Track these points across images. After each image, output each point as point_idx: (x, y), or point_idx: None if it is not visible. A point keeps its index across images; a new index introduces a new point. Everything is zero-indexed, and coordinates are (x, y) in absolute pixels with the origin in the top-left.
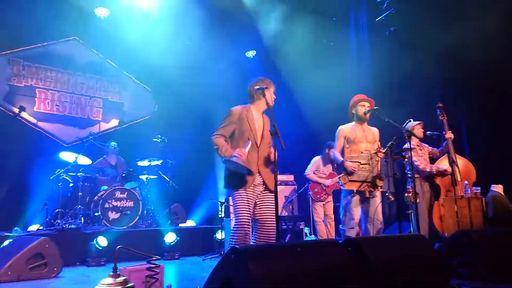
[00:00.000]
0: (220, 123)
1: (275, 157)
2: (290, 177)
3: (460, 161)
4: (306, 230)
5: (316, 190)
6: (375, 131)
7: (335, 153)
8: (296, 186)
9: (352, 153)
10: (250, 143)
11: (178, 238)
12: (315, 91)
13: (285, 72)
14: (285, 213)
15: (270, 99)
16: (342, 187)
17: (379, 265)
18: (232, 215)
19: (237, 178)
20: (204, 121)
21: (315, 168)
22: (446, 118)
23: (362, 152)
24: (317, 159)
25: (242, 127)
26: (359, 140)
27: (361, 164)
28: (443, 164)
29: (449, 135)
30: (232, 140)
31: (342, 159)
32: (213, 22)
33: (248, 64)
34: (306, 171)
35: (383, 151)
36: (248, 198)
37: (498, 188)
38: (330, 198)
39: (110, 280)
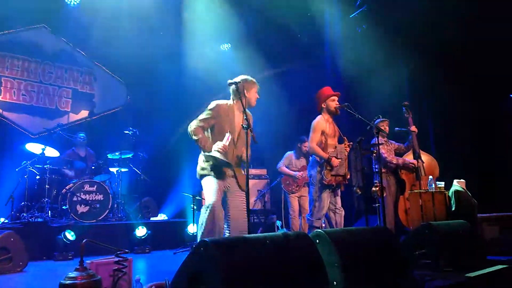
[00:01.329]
0: (202, 113)
1: (247, 155)
2: (263, 171)
3: (425, 157)
4: (278, 223)
5: (288, 182)
6: (336, 127)
7: (315, 148)
8: (268, 180)
9: (329, 148)
10: (229, 136)
11: (149, 232)
12: (289, 86)
13: (258, 66)
14: (257, 207)
15: (253, 99)
16: (324, 182)
17: (346, 257)
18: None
19: (212, 168)
20: (177, 114)
21: (287, 162)
22: (411, 115)
23: (335, 147)
24: (289, 154)
25: (223, 122)
26: (331, 134)
27: (338, 158)
28: (409, 158)
29: (414, 129)
30: (211, 134)
31: (326, 155)
32: (190, 13)
33: (222, 57)
34: (278, 165)
35: (350, 145)
36: (218, 184)
37: (460, 183)
38: (305, 190)
39: (76, 273)
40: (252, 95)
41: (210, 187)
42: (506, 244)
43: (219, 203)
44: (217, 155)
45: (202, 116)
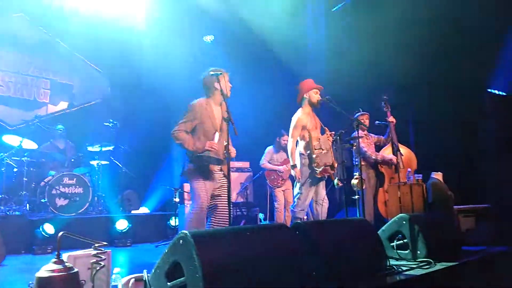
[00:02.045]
0: (181, 118)
1: (228, 145)
2: (246, 164)
3: (403, 150)
4: (261, 216)
5: (273, 177)
6: (317, 118)
7: (292, 151)
8: (251, 173)
9: (313, 141)
10: (218, 133)
11: (130, 225)
12: (271, 78)
13: (243, 59)
14: (240, 200)
15: (225, 88)
16: (315, 174)
17: (324, 247)
18: (186, 202)
19: (199, 169)
20: (159, 106)
21: (269, 157)
22: (390, 109)
23: (319, 139)
24: (269, 149)
25: (203, 121)
26: (313, 127)
27: (323, 149)
28: (388, 153)
29: (391, 119)
30: (194, 134)
31: (294, 161)
32: (172, 4)
33: (205, 48)
34: (260, 162)
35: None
36: (206, 185)
37: (438, 175)
38: (289, 183)
39: (52, 266)
40: (223, 85)
41: (197, 190)
42: (481, 234)
43: (205, 206)
44: (208, 154)
45: (182, 120)
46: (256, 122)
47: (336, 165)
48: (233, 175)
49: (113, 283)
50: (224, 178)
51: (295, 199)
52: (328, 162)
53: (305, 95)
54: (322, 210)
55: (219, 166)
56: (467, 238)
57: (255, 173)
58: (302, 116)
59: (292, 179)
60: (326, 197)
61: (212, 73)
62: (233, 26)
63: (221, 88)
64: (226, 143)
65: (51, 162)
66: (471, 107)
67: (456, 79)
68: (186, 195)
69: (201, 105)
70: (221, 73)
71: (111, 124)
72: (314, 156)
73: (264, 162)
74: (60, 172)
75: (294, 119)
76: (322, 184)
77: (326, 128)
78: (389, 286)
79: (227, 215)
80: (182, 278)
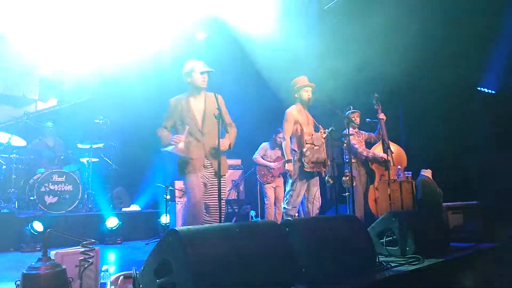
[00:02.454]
0: (157, 105)
1: (219, 141)
2: (238, 161)
3: (394, 147)
4: (252, 213)
5: (263, 173)
6: (310, 115)
7: (286, 145)
8: (243, 170)
9: (305, 136)
10: (187, 127)
11: (120, 222)
12: (265, 76)
13: (235, 56)
14: (231, 197)
15: (199, 81)
16: (304, 168)
17: (314, 245)
18: (177, 199)
19: (186, 165)
20: (149, 103)
21: (262, 153)
22: (380, 106)
23: (312, 135)
24: (264, 145)
25: (181, 116)
26: (305, 122)
27: (315, 145)
28: (378, 150)
29: (382, 116)
30: (177, 130)
31: (289, 155)
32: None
33: (197, 44)
34: (253, 155)
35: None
36: (198, 179)
37: (427, 173)
38: (281, 181)
39: (39, 263)
40: (196, 77)
41: (189, 185)
42: (469, 231)
43: (199, 200)
44: (170, 148)
45: (163, 117)
46: (248, 119)
47: (329, 163)
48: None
49: (101, 281)
50: (214, 177)
51: (287, 196)
52: (320, 158)
53: (296, 94)
54: (314, 208)
55: (209, 161)
56: (456, 234)
57: (247, 171)
58: (293, 111)
59: (284, 176)
60: (319, 196)
61: (184, 71)
62: (225, 24)
63: (192, 81)
64: (212, 141)
65: (40, 159)
66: (461, 105)
67: (447, 78)
68: (177, 193)
69: (178, 100)
70: (192, 67)
71: (101, 121)
72: (304, 150)
73: (257, 156)
74: (49, 169)
75: (285, 114)
76: (314, 182)
77: (320, 126)
78: (378, 282)
79: (217, 214)
80: (171, 275)
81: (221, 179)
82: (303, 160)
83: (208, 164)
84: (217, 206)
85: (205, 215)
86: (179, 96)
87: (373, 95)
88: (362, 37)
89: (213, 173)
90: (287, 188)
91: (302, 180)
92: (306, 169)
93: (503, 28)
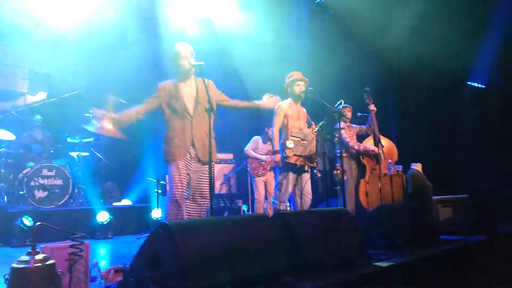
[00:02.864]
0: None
1: (211, 129)
2: (229, 156)
3: (384, 141)
4: (244, 207)
5: (254, 165)
6: (304, 110)
7: (274, 135)
8: (234, 165)
9: (292, 129)
10: (111, 98)
11: (111, 217)
12: (257, 70)
13: (226, 47)
14: (223, 191)
15: (185, 64)
16: (286, 160)
17: (304, 237)
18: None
19: (169, 150)
20: (140, 97)
21: (254, 146)
22: (372, 100)
23: (301, 129)
24: (256, 138)
25: (169, 101)
26: (295, 117)
27: (301, 140)
28: (369, 144)
29: (373, 107)
30: (164, 116)
31: (277, 146)
32: None
33: (188, 35)
34: (245, 148)
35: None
36: (180, 171)
37: (417, 166)
38: (271, 174)
39: (28, 257)
40: (182, 61)
41: (171, 176)
42: (459, 224)
43: (180, 199)
44: (91, 127)
45: (147, 99)
46: (240, 113)
47: (317, 159)
48: (216, 166)
49: (92, 275)
50: (200, 164)
51: (276, 191)
52: (304, 153)
53: (288, 89)
54: (303, 202)
55: (194, 151)
56: (445, 227)
57: (239, 165)
58: (283, 105)
59: (275, 171)
60: (309, 191)
61: (172, 55)
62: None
63: (181, 64)
64: (202, 131)
65: (29, 154)
66: (450, 99)
67: (437, 72)
68: (168, 187)
69: (165, 85)
70: (179, 52)
71: (91, 115)
72: (287, 142)
73: (248, 149)
74: (38, 163)
75: (275, 108)
76: (304, 177)
77: (313, 122)
78: (368, 274)
79: (204, 207)
80: (161, 269)
81: (207, 167)
82: (285, 152)
83: (193, 155)
84: (201, 198)
85: (190, 205)
86: (168, 82)
87: (364, 90)
88: (352, 33)
89: (196, 159)
90: (277, 182)
91: (288, 172)
92: (288, 161)
93: (493, 22)
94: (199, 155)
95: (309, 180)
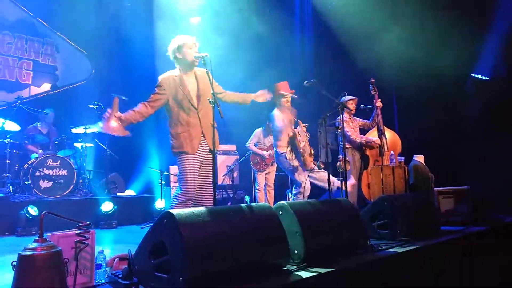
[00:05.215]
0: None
1: (214, 132)
2: (233, 147)
3: (388, 133)
4: (247, 198)
5: (256, 161)
6: (293, 113)
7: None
8: (237, 156)
9: (289, 130)
10: (116, 99)
11: (115, 207)
12: (259, 63)
13: (228, 41)
14: (226, 182)
15: (188, 55)
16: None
17: (306, 227)
18: (172, 184)
19: (181, 144)
20: (144, 87)
21: (256, 140)
22: (377, 92)
23: (298, 133)
24: (258, 131)
25: (174, 94)
26: (287, 126)
27: (302, 141)
28: (373, 135)
29: (378, 103)
30: (169, 109)
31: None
32: None
33: (192, 29)
34: (247, 143)
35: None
36: (194, 163)
37: (419, 158)
38: (273, 168)
39: (35, 244)
40: (186, 52)
41: (184, 169)
42: (460, 215)
43: (194, 188)
44: (97, 127)
45: (151, 95)
46: (243, 105)
47: (311, 152)
48: (220, 157)
49: (97, 262)
50: (209, 154)
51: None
52: (306, 151)
53: (275, 100)
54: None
55: (205, 140)
56: (447, 218)
57: (242, 156)
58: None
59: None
60: (307, 186)
61: (173, 46)
62: (219, 7)
63: (182, 58)
64: (208, 123)
65: (34, 144)
66: (454, 91)
67: (440, 64)
68: (172, 178)
69: (168, 77)
70: (183, 42)
71: (95, 106)
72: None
73: (250, 143)
74: (44, 154)
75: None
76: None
77: (299, 121)
78: (369, 263)
79: (210, 196)
80: (166, 256)
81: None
82: (302, 160)
83: (204, 144)
84: (207, 187)
85: (196, 195)
86: (169, 73)
87: (369, 81)
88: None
89: (207, 150)
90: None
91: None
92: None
93: (497, 14)
94: (210, 145)
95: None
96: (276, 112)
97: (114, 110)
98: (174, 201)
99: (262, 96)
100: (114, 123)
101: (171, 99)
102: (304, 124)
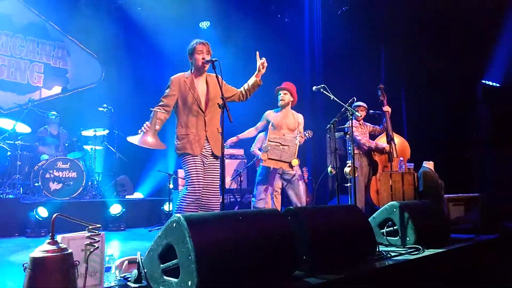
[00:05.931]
0: (162, 93)
1: (222, 125)
2: (240, 151)
3: (397, 139)
4: (254, 202)
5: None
6: (299, 117)
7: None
8: (245, 160)
9: (275, 134)
10: (154, 112)
11: (124, 209)
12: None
13: (238, 45)
14: (233, 186)
15: (198, 61)
16: (261, 163)
17: (315, 233)
18: (180, 187)
19: (184, 146)
20: (153, 91)
21: (259, 144)
22: (386, 98)
23: (284, 135)
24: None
25: (184, 95)
26: (280, 126)
27: (282, 145)
28: (382, 141)
29: (387, 108)
30: (177, 110)
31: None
32: None
33: (201, 34)
34: (251, 147)
35: (304, 135)
36: (196, 163)
37: (429, 165)
38: None
39: (46, 247)
40: (196, 57)
41: (187, 169)
42: (470, 223)
43: (200, 188)
44: (134, 139)
45: (163, 95)
46: (251, 108)
47: (295, 164)
48: (227, 162)
49: (106, 265)
50: (213, 158)
51: (254, 192)
52: (283, 158)
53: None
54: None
55: (209, 146)
56: (457, 226)
57: (249, 160)
58: (270, 112)
59: None
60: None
61: (188, 48)
62: (229, 11)
63: (195, 60)
64: (214, 128)
65: (44, 146)
66: (464, 97)
67: (450, 70)
68: (180, 181)
69: (179, 78)
70: (193, 48)
71: (105, 109)
72: (264, 145)
73: (254, 148)
74: (54, 156)
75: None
76: (295, 184)
77: (299, 129)
78: (378, 270)
79: (215, 201)
80: (175, 260)
81: (219, 161)
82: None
83: (208, 149)
84: (213, 192)
85: (202, 199)
86: (181, 75)
87: (378, 87)
88: (365, 27)
89: (211, 154)
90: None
91: (268, 175)
92: (262, 164)
93: (507, 20)
94: (213, 149)
95: (303, 188)
96: (266, 112)
97: (153, 124)
98: (182, 202)
99: (261, 65)
100: (150, 138)
101: (179, 99)
102: (308, 132)
